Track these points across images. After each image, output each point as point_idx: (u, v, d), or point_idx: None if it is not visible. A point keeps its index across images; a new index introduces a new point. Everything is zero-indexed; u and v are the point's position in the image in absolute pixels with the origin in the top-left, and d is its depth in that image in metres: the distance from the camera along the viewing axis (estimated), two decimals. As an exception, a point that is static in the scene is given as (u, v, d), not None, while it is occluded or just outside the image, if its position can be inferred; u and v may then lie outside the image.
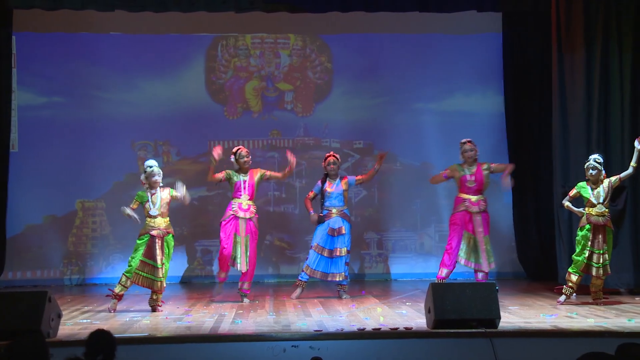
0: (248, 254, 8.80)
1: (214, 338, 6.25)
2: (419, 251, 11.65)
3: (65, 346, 5.75)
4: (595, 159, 8.21)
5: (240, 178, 8.90)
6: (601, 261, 8.10)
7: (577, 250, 8.22)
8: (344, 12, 10.11)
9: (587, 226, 8.15)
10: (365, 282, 11.24)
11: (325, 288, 9.91)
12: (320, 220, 9.13)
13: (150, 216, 8.08)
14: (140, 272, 7.94)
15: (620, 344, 4.04)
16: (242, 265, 8.79)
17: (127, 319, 7.43)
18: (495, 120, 11.63)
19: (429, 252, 11.65)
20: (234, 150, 9.02)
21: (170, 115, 11.57)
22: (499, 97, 11.62)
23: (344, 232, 9.08)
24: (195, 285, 11.12)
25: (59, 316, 6.44)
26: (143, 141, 11.62)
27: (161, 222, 8.09)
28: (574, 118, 9.49)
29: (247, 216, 8.82)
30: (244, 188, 8.87)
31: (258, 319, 7.35)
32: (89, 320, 7.33)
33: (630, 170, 8.21)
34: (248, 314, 7.69)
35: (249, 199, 8.86)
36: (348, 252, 9.14)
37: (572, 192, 8.32)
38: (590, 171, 8.17)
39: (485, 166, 9.25)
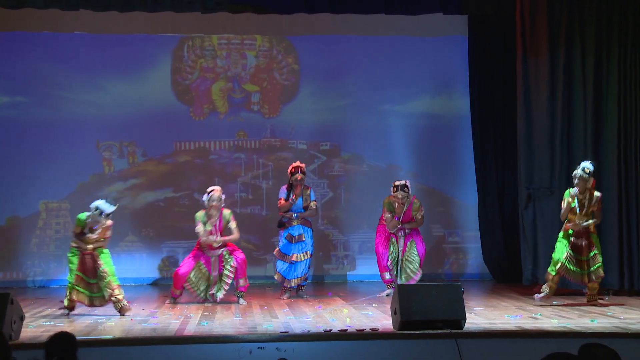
0: (224, 280, 8.73)
1: (180, 340, 6.22)
2: (385, 252, 11.66)
3: (27, 349, 5.69)
4: (584, 167, 8.14)
5: (210, 224, 8.78)
6: (586, 268, 8.13)
7: (557, 249, 8.25)
8: (310, 13, 10.12)
9: (569, 231, 8.22)
10: (332, 284, 11.25)
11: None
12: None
13: (85, 237, 7.96)
14: (76, 287, 7.84)
15: (583, 344, 4.08)
16: (220, 294, 8.72)
17: (92, 321, 7.36)
18: (460, 123, 11.72)
19: (395, 253, 11.67)
20: (208, 190, 8.82)
21: (136, 115, 11.49)
22: (465, 100, 11.70)
23: (304, 239, 9.27)
24: (161, 287, 11.03)
25: (22, 318, 6.36)
26: (108, 142, 11.52)
27: (93, 241, 7.98)
28: (538, 121, 9.59)
29: (220, 252, 8.79)
30: (215, 233, 8.79)
31: (224, 320, 7.32)
32: (52, 323, 7.24)
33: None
34: (214, 316, 7.65)
35: (218, 237, 8.81)
36: (310, 255, 9.36)
37: (564, 204, 8.24)
38: (576, 180, 8.13)
39: (417, 202, 9.55)
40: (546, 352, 3.95)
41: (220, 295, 8.72)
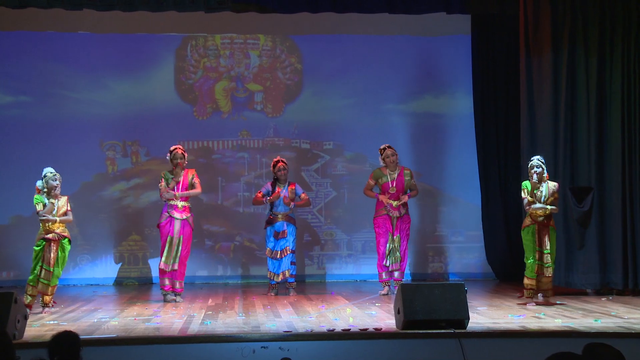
0: (179, 254, 8.93)
1: (183, 339, 6.22)
2: (388, 252, 11.66)
3: (31, 348, 5.69)
4: (538, 158, 8.31)
5: (174, 182, 9.00)
6: (549, 261, 8.18)
7: (527, 253, 8.30)
8: (313, 12, 10.12)
9: (532, 226, 8.25)
10: (335, 283, 11.26)
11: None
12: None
13: (48, 221, 8.06)
14: (41, 280, 7.98)
15: (587, 344, 4.08)
16: (169, 264, 8.89)
17: (95, 320, 7.37)
18: (463, 122, 11.71)
19: (398, 253, 11.67)
20: (171, 149, 9.10)
21: (139, 115, 11.50)
22: (468, 99, 11.70)
23: (286, 235, 9.59)
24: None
25: (25, 317, 6.37)
26: (112, 141, 11.53)
27: (57, 227, 8.09)
28: (541, 120, 9.59)
29: (183, 217, 8.99)
30: (177, 190, 8.99)
31: (227, 320, 7.32)
32: (55, 322, 7.25)
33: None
34: (217, 315, 7.66)
35: (182, 200, 9.00)
36: (292, 251, 9.65)
37: (524, 194, 8.34)
38: (536, 169, 8.22)
39: (407, 173, 9.65)
40: (550, 352, 3.95)
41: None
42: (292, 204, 9.63)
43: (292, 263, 9.63)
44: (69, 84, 11.40)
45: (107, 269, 11.35)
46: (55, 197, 8.14)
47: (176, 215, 8.96)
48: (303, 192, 9.84)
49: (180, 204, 8.98)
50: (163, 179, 9.05)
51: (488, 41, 11.58)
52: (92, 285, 11.10)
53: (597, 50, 9.46)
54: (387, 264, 9.49)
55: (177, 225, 8.94)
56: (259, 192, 9.75)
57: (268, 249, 9.63)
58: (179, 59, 11.72)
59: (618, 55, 9.42)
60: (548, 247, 8.19)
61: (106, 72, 11.46)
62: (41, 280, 7.97)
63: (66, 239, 8.16)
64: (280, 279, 9.56)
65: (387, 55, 11.77)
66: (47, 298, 8.02)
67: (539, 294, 8.34)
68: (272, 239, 9.59)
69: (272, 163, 9.80)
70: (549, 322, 6.93)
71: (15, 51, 11.31)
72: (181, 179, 9.04)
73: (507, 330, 6.53)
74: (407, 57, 11.79)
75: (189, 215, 9.03)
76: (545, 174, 8.30)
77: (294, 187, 9.72)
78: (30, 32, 11.30)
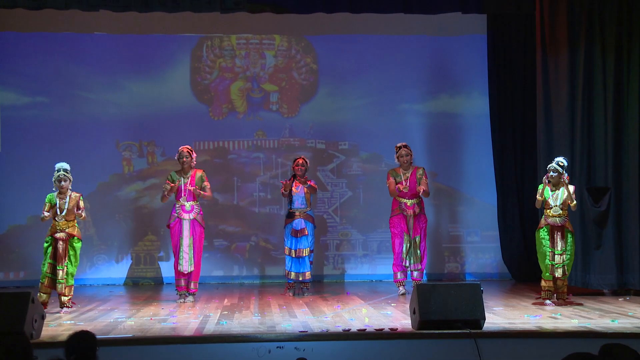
0: (192, 254, 8.94)
1: (199, 339, 6.24)
2: (403, 252, 11.64)
3: (48, 347, 5.72)
4: (558, 161, 8.26)
5: (181, 181, 9.04)
6: (560, 261, 8.13)
7: (539, 255, 8.28)
8: (328, 13, 10.11)
9: (545, 227, 8.23)
10: (350, 283, 11.25)
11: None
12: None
13: (56, 220, 8.18)
14: (48, 275, 8.10)
15: (603, 344, 4.06)
16: (184, 266, 8.92)
17: (112, 320, 7.40)
18: (479, 122, 11.67)
19: (413, 253, 11.64)
20: (179, 149, 9.15)
21: (155, 115, 11.54)
22: (484, 99, 11.66)
23: (306, 233, 9.47)
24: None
25: (43, 317, 6.40)
26: (128, 141, 11.57)
27: (65, 225, 8.17)
28: (558, 119, 9.54)
29: (191, 217, 9.00)
30: (184, 190, 9.02)
31: (243, 320, 7.34)
32: (72, 322, 7.29)
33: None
34: (233, 315, 7.68)
35: (189, 200, 9.02)
36: (311, 251, 9.56)
37: (539, 195, 8.33)
38: (552, 173, 8.20)
39: (420, 172, 9.66)
40: (566, 352, 3.93)
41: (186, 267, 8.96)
42: (306, 186, 9.45)
43: (310, 263, 9.61)
44: (85, 85, 11.46)
45: (123, 269, 11.39)
46: (64, 195, 8.19)
47: (184, 215, 8.98)
48: (313, 183, 9.71)
49: (187, 203, 9.00)
50: (168, 180, 9.09)
51: (504, 41, 11.53)
52: (108, 285, 11.15)
53: (615, 49, 9.40)
54: (407, 264, 9.49)
55: (186, 227, 8.97)
56: (284, 181, 9.71)
57: (287, 247, 9.57)
58: (195, 59, 11.75)
59: (636, 54, 9.36)
60: (559, 248, 8.15)
61: (122, 72, 11.52)
62: (57, 281, 8.03)
63: (75, 237, 8.20)
64: (300, 279, 9.51)
65: (402, 55, 11.76)
66: (64, 298, 8.08)
67: (554, 295, 8.31)
68: (290, 237, 9.54)
69: (294, 160, 9.69)
70: (565, 323, 6.91)
71: (32, 52, 11.37)
72: (189, 179, 9.04)
73: (524, 331, 6.51)
74: (422, 57, 11.77)
75: (197, 215, 9.04)
76: (566, 176, 8.24)
77: (310, 182, 9.62)
78: (47, 34, 11.36)
